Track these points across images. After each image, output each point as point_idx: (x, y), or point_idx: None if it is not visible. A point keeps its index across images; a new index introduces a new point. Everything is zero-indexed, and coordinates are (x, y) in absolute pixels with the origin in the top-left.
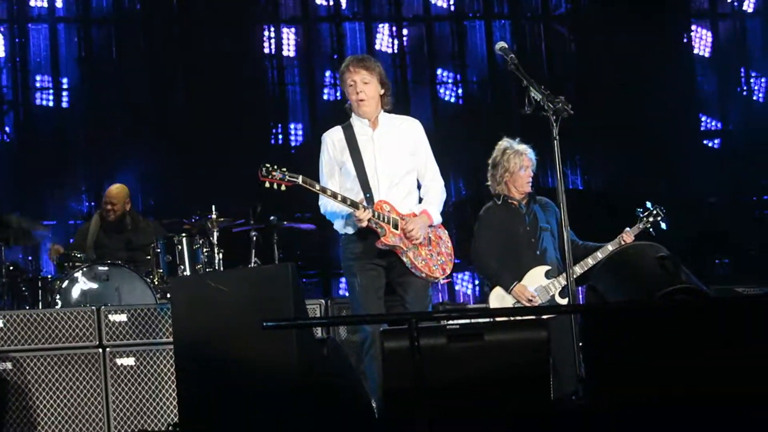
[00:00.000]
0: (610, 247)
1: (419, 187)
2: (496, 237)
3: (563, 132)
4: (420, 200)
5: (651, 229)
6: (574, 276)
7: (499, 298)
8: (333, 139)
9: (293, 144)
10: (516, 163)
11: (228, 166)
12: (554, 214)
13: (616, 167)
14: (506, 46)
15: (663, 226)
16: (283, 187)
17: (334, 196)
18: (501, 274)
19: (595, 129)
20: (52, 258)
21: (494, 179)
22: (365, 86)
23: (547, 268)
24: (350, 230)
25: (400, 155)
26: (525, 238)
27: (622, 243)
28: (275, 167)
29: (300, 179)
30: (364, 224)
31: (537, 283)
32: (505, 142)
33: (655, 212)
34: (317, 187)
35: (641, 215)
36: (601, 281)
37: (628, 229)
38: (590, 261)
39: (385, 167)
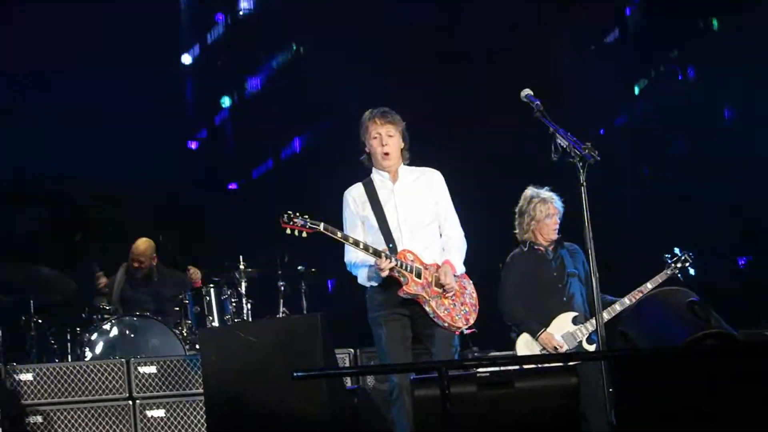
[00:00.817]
0: (634, 298)
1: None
2: (522, 283)
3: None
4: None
5: (680, 275)
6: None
7: (526, 345)
8: (353, 195)
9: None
10: (542, 211)
11: (254, 216)
12: (582, 260)
13: (644, 211)
14: (531, 92)
15: (691, 271)
16: (304, 234)
17: (356, 243)
18: (527, 320)
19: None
20: (100, 286)
21: (521, 227)
22: (390, 139)
23: (574, 314)
24: (374, 282)
25: (421, 206)
26: (552, 283)
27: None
28: (297, 214)
29: (321, 226)
30: (386, 273)
31: (564, 330)
32: (530, 191)
33: (683, 258)
34: (339, 235)
35: (669, 261)
36: (631, 327)
37: (648, 284)
38: (617, 307)
39: (407, 218)
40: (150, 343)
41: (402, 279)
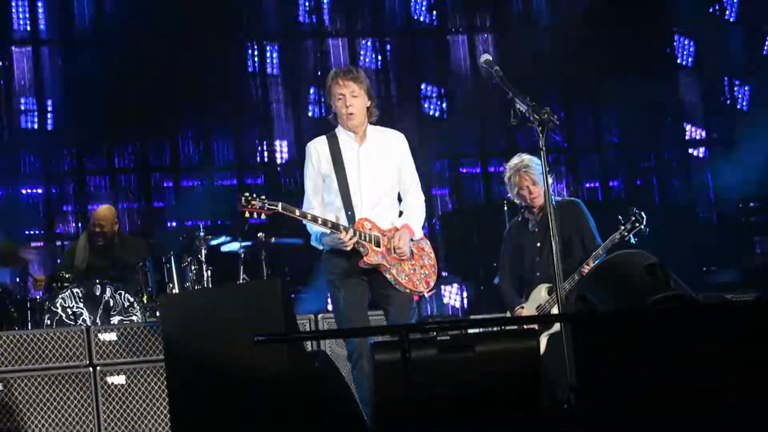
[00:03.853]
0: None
1: (400, 200)
2: (511, 258)
3: (548, 143)
4: (400, 214)
5: (631, 237)
6: (565, 291)
7: None
8: (318, 150)
9: (279, 161)
10: (515, 182)
11: (214, 185)
12: (577, 216)
13: (602, 177)
14: (490, 58)
15: (643, 228)
16: (263, 216)
17: (314, 220)
18: (508, 298)
19: (579, 140)
20: (37, 288)
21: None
22: (354, 99)
23: (548, 285)
24: (330, 246)
25: (385, 172)
26: (530, 256)
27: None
28: (254, 195)
29: (279, 206)
30: (350, 247)
31: (537, 302)
32: (513, 159)
33: (633, 219)
34: (297, 213)
35: (622, 223)
36: (589, 290)
37: (599, 250)
38: (576, 276)
39: (370, 184)
40: (109, 310)
41: (362, 249)
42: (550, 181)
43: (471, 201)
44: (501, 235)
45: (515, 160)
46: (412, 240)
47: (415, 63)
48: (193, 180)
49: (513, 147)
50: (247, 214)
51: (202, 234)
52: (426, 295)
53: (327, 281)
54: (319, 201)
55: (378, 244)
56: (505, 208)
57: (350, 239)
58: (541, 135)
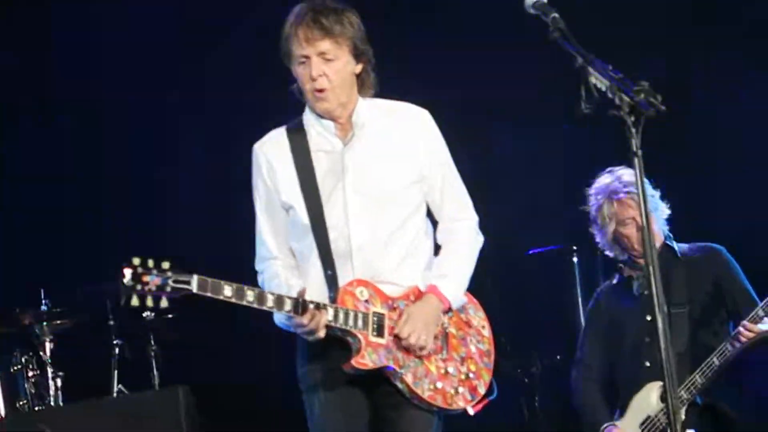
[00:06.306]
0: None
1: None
2: (602, 346)
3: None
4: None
5: None
6: (696, 387)
7: None
8: (269, 157)
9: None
10: (610, 214)
11: (65, 229)
12: (718, 271)
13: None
14: (545, 1)
15: None
16: (164, 303)
17: (260, 299)
18: (593, 411)
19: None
20: None
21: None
22: (327, 66)
23: (660, 385)
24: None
25: (393, 190)
26: (633, 337)
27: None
28: (147, 265)
29: (194, 282)
30: (321, 335)
31: (644, 412)
32: (602, 177)
33: None
34: (227, 292)
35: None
36: (724, 395)
37: (744, 322)
38: (716, 361)
39: (365, 216)
40: None
41: (351, 341)
42: (667, 213)
43: (505, 244)
44: (559, 302)
45: (606, 178)
46: (448, 312)
47: (415, 9)
48: None
49: (577, 152)
50: (135, 302)
51: (46, 310)
52: (470, 411)
53: (299, 376)
54: (283, 245)
55: (379, 330)
56: (575, 259)
57: (322, 323)
58: (635, 130)
